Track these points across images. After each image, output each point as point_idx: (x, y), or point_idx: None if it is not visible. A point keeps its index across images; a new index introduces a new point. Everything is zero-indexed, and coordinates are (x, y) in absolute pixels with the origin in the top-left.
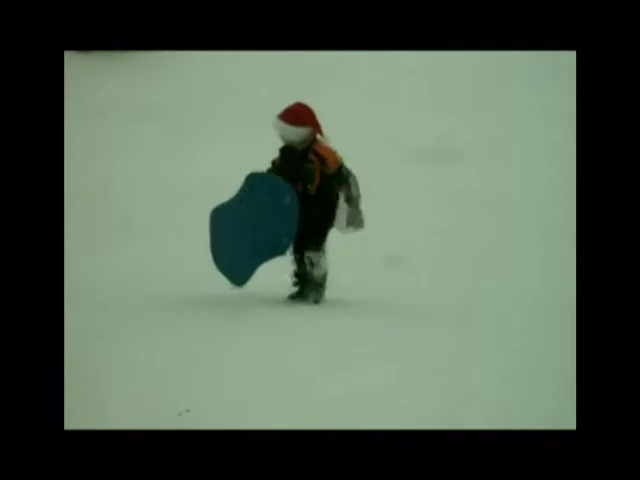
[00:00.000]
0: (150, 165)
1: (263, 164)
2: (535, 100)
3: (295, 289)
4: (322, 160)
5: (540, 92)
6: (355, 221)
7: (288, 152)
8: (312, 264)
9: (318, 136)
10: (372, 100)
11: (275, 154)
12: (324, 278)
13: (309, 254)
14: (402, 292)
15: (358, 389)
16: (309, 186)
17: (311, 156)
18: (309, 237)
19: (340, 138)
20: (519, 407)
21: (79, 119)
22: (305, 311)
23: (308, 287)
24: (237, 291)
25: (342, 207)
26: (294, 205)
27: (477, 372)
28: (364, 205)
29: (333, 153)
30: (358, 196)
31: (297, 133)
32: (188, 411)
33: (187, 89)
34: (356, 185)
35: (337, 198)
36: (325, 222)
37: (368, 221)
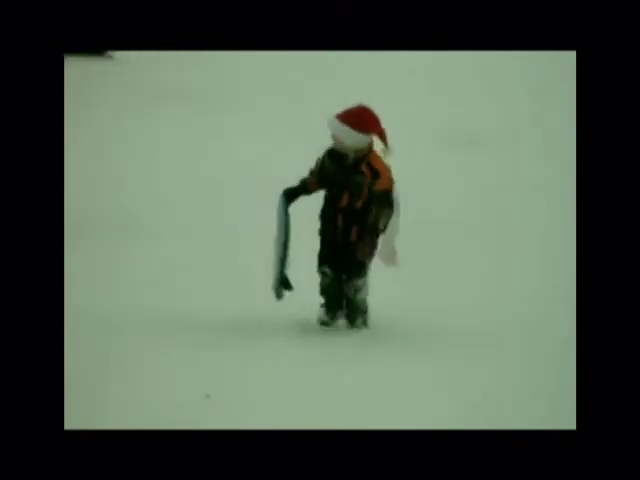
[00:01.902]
0: (157, 166)
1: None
2: (535, 100)
3: (325, 315)
4: (375, 175)
5: (540, 92)
6: (365, 254)
7: (337, 157)
8: (356, 290)
9: (375, 147)
10: (371, 100)
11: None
12: (366, 300)
13: (355, 281)
14: (412, 293)
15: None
16: (357, 201)
17: (364, 168)
18: (348, 262)
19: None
20: (519, 407)
21: (79, 124)
22: (355, 339)
23: (351, 312)
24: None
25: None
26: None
27: (477, 372)
28: None
29: (389, 170)
30: (397, 229)
31: (359, 140)
32: (208, 396)
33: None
34: (398, 216)
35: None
36: (375, 243)
37: None
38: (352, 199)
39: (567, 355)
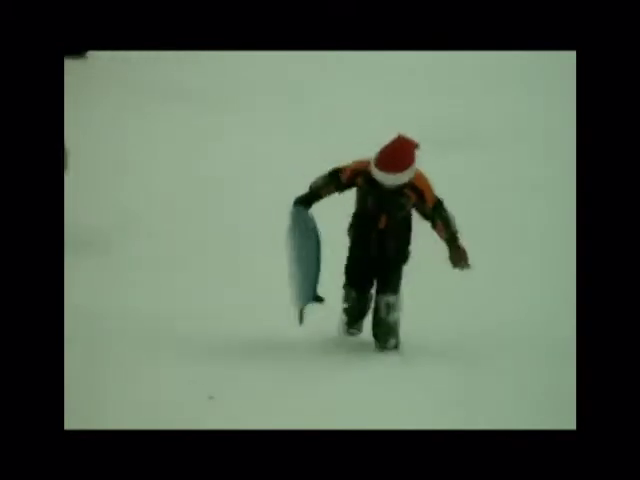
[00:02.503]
0: (157, 167)
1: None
2: (535, 100)
3: (350, 326)
4: (420, 195)
5: (540, 92)
6: (461, 260)
7: (376, 183)
8: (389, 308)
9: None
10: (370, 99)
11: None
12: (399, 320)
13: (386, 298)
14: (411, 295)
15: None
16: (396, 220)
17: (406, 190)
18: (385, 275)
19: (346, 134)
20: (519, 407)
21: (79, 125)
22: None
23: (381, 333)
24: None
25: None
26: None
27: (477, 372)
28: None
29: (430, 186)
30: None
31: (406, 176)
32: (212, 398)
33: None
34: (454, 220)
35: (410, 230)
36: (405, 259)
37: None
38: (390, 220)
39: (567, 355)
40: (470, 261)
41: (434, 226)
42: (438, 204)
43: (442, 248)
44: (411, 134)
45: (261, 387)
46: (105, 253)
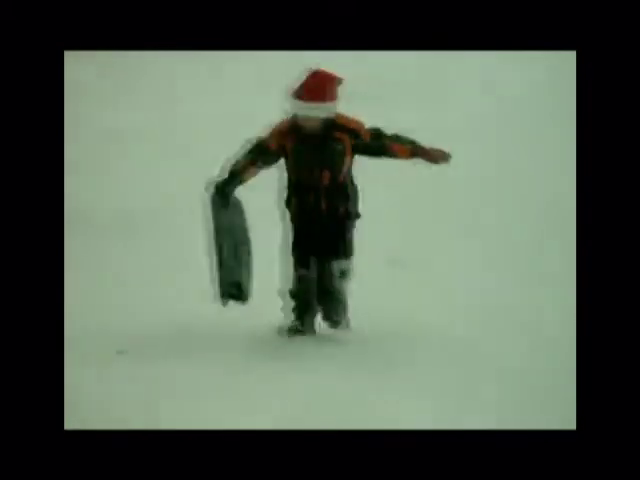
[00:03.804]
0: (156, 165)
1: None
2: (535, 100)
3: (293, 321)
4: (354, 133)
5: (540, 92)
6: (438, 156)
7: (305, 137)
8: (343, 275)
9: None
10: (369, 99)
11: None
12: (346, 292)
13: (339, 264)
14: (402, 290)
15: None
16: (339, 174)
17: (337, 134)
18: (335, 240)
19: None
20: (519, 407)
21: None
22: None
23: (332, 308)
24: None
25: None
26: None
27: (477, 372)
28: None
29: (359, 121)
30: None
31: (329, 108)
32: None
33: (187, 90)
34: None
35: (355, 184)
36: (357, 216)
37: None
38: (334, 174)
39: (567, 355)
40: (447, 151)
41: (388, 151)
42: (376, 131)
43: (441, 249)
44: (409, 131)
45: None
46: (104, 251)
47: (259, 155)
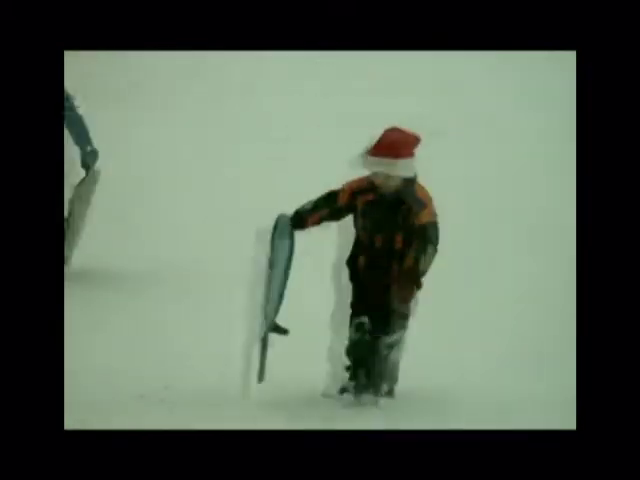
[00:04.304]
0: (156, 166)
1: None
2: (535, 100)
3: (348, 382)
4: (420, 205)
5: (540, 92)
6: (398, 298)
7: (379, 198)
8: (390, 347)
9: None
10: (369, 97)
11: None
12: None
13: (390, 336)
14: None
15: None
16: (396, 237)
17: (410, 200)
18: (393, 311)
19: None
20: (519, 407)
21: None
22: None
23: (377, 377)
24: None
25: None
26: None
27: (477, 372)
28: None
29: (432, 201)
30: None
31: (404, 166)
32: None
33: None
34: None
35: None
36: (414, 287)
37: None
38: (390, 236)
39: (567, 355)
40: (408, 305)
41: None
42: (429, 226)
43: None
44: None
45: None
46: (104, 250)
47: (327, 206)
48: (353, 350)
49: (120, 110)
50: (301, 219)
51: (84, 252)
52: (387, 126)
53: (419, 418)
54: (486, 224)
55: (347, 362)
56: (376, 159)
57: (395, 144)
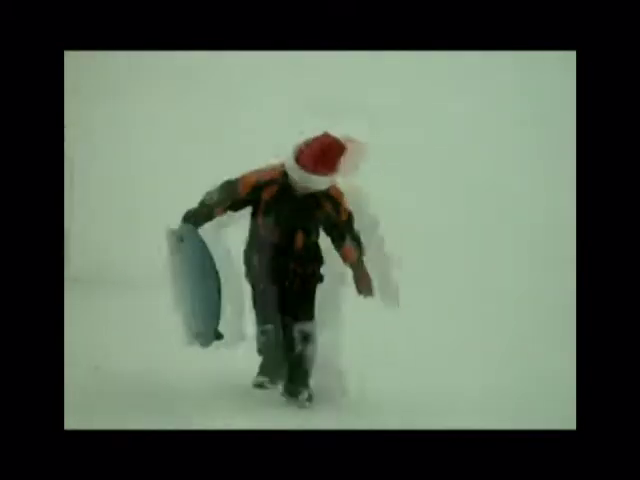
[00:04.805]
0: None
1: None
2: (535, 100)
3: (261, 378)
4: (335, 204)
5: (540, 92)
6: (366, 287)
7: (290, 197)
8: (306, 339)
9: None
10: (364, 97)
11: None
12: (313, 361)
13: (302, 326)
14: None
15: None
16: (313, 238)
17: (322, 199)
18: (299, 302)
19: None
20: (519, 407)
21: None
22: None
23: (294, 375)
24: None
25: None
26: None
27: (477, 372)
28: None
29: (344, 195)
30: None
31: (325, 182)
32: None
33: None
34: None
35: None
36: (321, 279)
37: None
38: (307, 238)
39: (567, 355)
40: (372, 291)
41: (342, 247)
42: (351, 218)
43: (441, 251)
44: (409, 134)
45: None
46: (104, 249)
47: (229, 197)
48: (263, 345)
49: (120, 112)
50: (209, 211)
51: (84, 252)
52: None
53: (419, 418)
54: (486, 224)
55: (261, 361)
56: (305, 173)
57: (328, 160)
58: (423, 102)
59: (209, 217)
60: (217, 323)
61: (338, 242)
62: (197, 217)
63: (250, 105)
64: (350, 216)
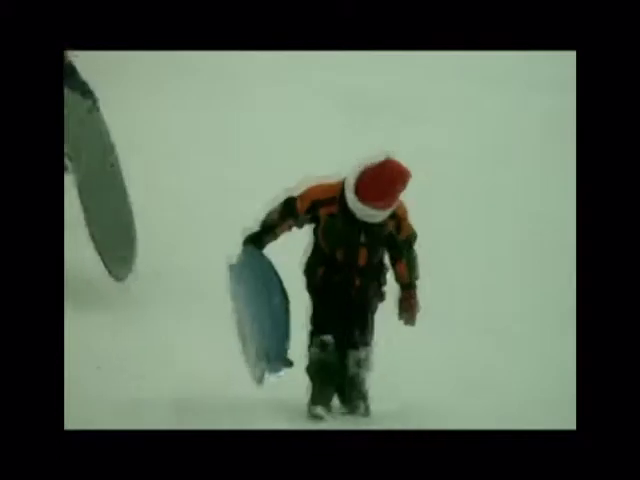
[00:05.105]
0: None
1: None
2: (535, 100)
3: (318, 410)
4: (397, 223)
5: (540, 92)
6: (410, 314)
7: (351, 217)
8: (359, 365)
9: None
10: (366, 90)
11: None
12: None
13: (358, 353)
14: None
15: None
16: (375, 256)
17: (387, 218)
18: (358, 323)
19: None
20: (519, 407)
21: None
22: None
23: (353, 393)
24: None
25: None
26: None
27: (477, 372)
28: None
29: (407, 212)
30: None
31: (386, 214)
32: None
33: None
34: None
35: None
36: (381, 300)
37: None
38: (370, 255)
39: (567, 355)
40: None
41: (397, 263)
42: (412, 237)
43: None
44: (408, 137)
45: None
46: None
47: (291, 215)
48: (319, 369)
49: (126, 117)
50: (272, 232)
51: (84, 253)
52: (380, 155)
53: (418, 419)
54: (485, 224)
55: (312, 386)
56: (365, 207)
57: (389, 194)
58: (420, 101)
59: (273, 237)
60: (288, 345)
61: (395, 259)
62: (260, 239)
63: (293, 108)
64: (411, 235)
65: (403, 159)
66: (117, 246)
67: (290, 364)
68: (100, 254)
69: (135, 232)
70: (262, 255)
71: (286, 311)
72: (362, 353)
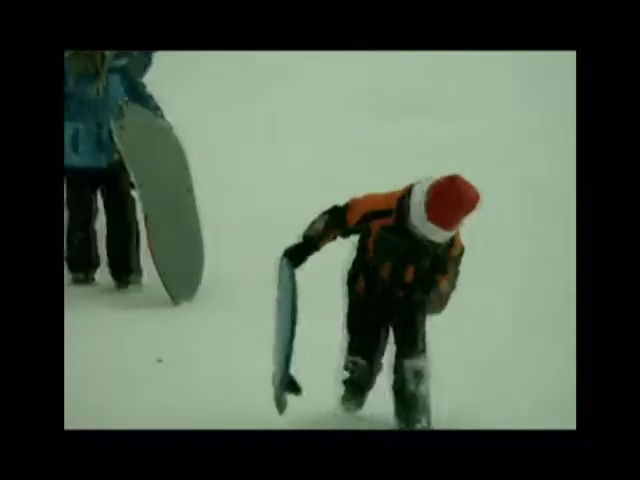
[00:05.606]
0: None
1: None
2: (535, 100)
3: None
4: (452, 239)
5: (540, 92)
6: (436, 309)
7: (402, 230)
8: (417, 376)
9: None
10: (367, 115)
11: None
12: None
13: (412, 362)
14: None
15: None
16: (424, 272)
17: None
18: (407, 335)
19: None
20: (519, 407)
21: None
22: None
23: (413, 411)
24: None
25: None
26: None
27: (477, 372)
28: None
29: (459, 233)
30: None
31: (452, 234)
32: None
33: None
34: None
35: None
36: (429, 312)
37: None
38: (418, 272)
39: (567, 355)
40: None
41: (440, 278)
42: (462, 253)
43: None
44: (408, 139)
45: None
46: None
47: (338, 226)
48: (357, 380)
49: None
50: (314, 245)
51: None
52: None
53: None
54: (485, 224)
55: (344, 391)
56: (433, 226)
57: (460, 213)
58: (420, 102)
59: (315, 249)
60: (289, 368)
61: (440, 271)
62: (300, 253)
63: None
64: (462, 251)
65: (403, 159)
66: (183, 276)
67: (297, 391)
68: (165, 284)
69: (203, 259)
70: (291, 274)
71: (291, 335)
72: (418, 363)
